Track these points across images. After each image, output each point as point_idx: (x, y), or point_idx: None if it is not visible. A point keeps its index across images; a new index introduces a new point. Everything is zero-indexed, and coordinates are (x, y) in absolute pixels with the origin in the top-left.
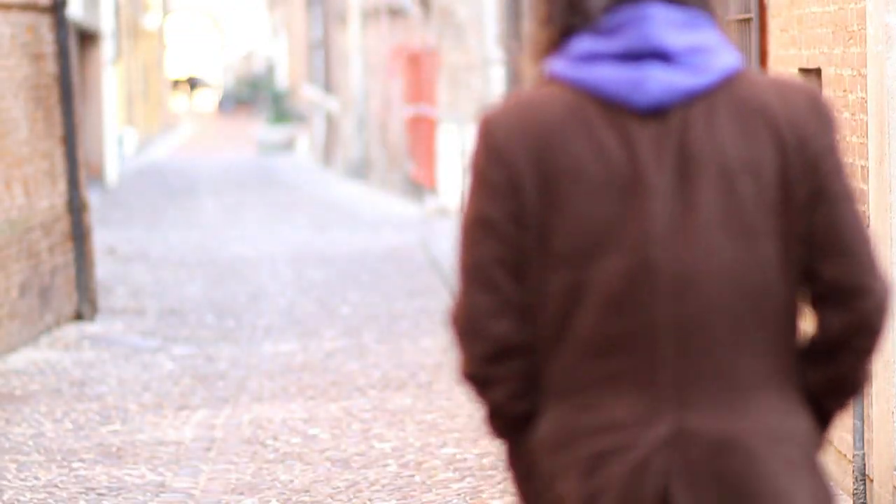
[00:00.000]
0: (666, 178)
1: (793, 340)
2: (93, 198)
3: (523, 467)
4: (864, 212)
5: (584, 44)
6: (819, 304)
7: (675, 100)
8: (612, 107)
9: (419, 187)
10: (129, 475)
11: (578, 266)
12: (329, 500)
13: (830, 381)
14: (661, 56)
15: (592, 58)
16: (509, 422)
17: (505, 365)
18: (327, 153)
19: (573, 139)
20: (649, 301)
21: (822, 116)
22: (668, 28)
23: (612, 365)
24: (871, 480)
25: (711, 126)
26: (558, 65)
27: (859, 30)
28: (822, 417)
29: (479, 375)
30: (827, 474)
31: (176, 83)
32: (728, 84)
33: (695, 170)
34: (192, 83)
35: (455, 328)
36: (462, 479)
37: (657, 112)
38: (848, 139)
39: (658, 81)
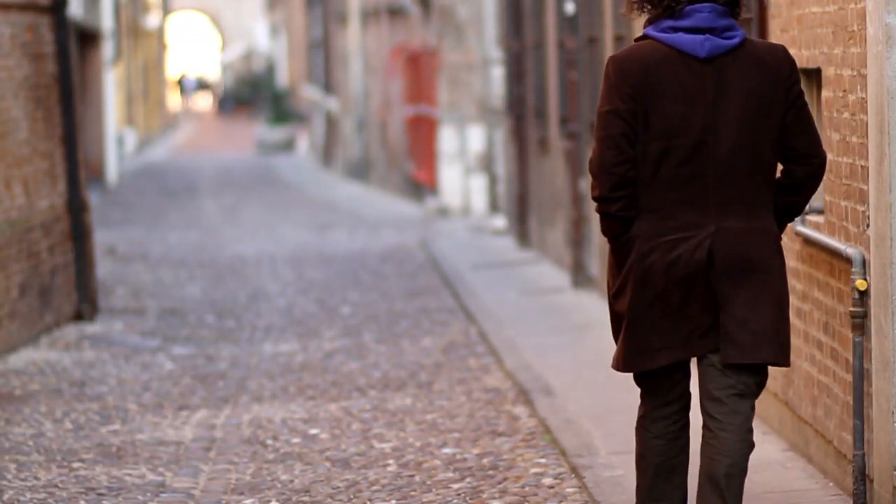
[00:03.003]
0: (712, 95)
1: (772, 183)
2: (93, 198)
3: (624, 249)
4: (864, 211)
5: (666, 22)
6: (789, 162)
7: (718, 53)
8: (685, 56)
9: (419, 187)
10: (129, 475)
11: (665, 140)
12: (329, 500)
13: (790, 205)
14: (711, 31)
15: (674, 29)
16: (621, 223)
17: (622, 190)
18: (327, 153)
19: (664, 71)
20: (703, 160)
21: (790, 64)
22: (714, 16)
23: (682, 194)
24: (871, 480)
25: (735, 68)
26: (651, 31)
27: (859, 30)
28: (780, 226)
29: (606, 196)
30: (783, 258)
31: (179, 82)
32: (742, 45)
33: (727, 91)
34: (200, 84)
35: (593, 170)
36: (462, 479)
37: (709, 59)
38: (848, 139)
39: (710, 43)
